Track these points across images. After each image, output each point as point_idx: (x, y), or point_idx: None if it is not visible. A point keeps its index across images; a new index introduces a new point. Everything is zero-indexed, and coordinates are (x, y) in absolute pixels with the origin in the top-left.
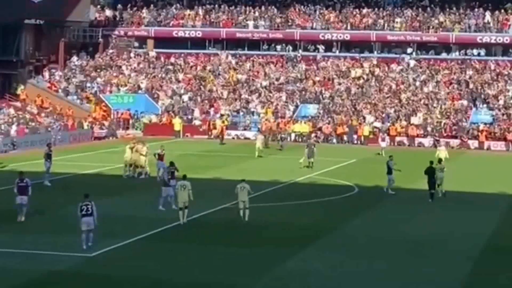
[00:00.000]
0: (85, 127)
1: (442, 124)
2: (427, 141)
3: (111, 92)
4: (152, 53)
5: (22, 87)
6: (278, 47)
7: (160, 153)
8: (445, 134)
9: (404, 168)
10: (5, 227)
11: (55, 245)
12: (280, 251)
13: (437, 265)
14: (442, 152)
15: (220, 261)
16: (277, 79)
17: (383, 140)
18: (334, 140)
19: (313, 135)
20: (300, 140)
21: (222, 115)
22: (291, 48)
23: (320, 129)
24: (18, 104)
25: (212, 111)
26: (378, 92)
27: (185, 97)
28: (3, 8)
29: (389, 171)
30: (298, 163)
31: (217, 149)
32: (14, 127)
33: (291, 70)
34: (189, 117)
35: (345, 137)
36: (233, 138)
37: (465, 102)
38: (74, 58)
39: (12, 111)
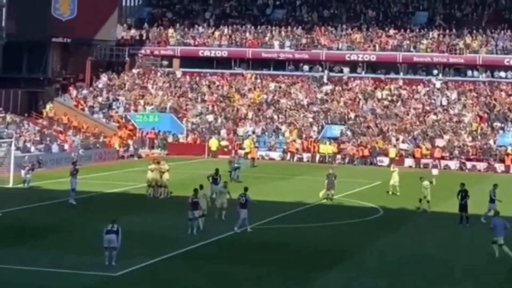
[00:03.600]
0: (116, 146)
1: (469, 146)
2: (453, 164)
3: (136, 111)
4: (178, 72)
5: (51, 105)
6: (304, 67)
7: (214, 176)
8: (471, 157)
9: (431, 190)
10: (30, 244)
11: (79, 263)
12: (305, 273)
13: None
14: (394, 177)
15: (244, 282)
16: (303, 100)
17: (435, 167)
18: (356, 162)
19: (339, 156)
20: (324, 161)
21: (247, 136)
22: (320, 68)
23: (345, 152)
24: (44, 122)
25: (237, 131)
26: (404, 114)
27: (210, 117)
28: (30, 26)
29: (491, 200)
30: (318, 196)
31: (244, 169)
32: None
33: (316, 90)
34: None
35: (368, 159)
36: (258, 158)
37: (492, 125)
38: (101, 77)
39: (38, 128)
